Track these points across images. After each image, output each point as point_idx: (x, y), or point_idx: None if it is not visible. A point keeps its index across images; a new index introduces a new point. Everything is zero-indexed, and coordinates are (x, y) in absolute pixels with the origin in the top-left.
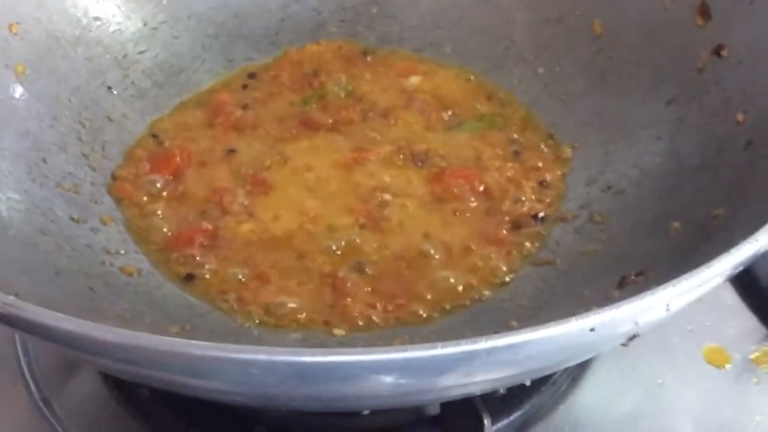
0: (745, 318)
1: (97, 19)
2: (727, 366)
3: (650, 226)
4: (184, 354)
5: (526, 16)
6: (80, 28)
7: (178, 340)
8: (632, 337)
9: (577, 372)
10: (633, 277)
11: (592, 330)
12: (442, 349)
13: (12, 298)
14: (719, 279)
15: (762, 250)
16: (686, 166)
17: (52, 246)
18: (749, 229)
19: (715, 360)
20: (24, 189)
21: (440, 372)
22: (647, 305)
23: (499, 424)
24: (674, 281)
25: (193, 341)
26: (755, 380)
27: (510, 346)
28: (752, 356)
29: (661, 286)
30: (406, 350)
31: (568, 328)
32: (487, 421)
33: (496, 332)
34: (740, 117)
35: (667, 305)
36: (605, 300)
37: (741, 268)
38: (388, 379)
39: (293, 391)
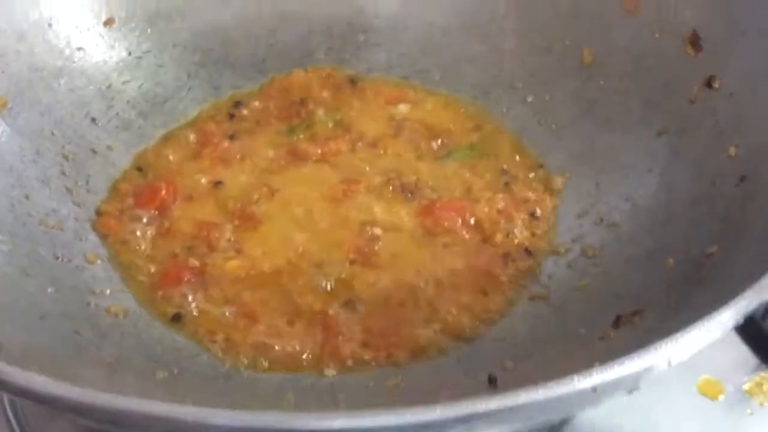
0: (737, 348)
1: (80, 49)
2: (721, 397)
3: (644, 262)
4: (167, 419)
5: (515, 43)
6: (63, 59)
7: (160, 405)
8: (633, 390)
9: None
10: (629, 316)
11: (593, 390)
12: (441, 412)
13: None
14: (724, 329)
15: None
16: (679, 199)
17: (36, 288)
18: (747, 272)
19: (709, 392)
20: (7, 229)
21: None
22: (650, 362)
23: None
24: (677, 335)
25: (176, 407)
26: (749, 411)
27: (511, 409)
28: (745, 387)
29: (664, 341)
30: (402, 414)
31: (569, 389)
32: None
33: (490, 375)
34: (732, 151)
35: (669, 360)
36: (602, 340)
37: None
38: None
39: None
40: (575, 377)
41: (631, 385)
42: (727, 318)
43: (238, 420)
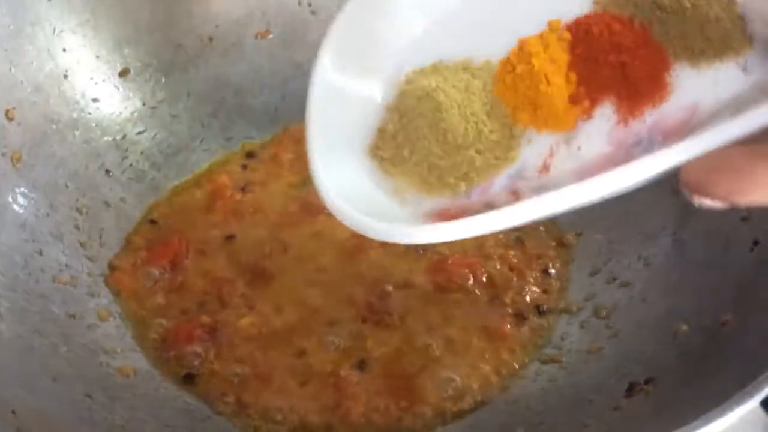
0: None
1: (95, 100)
2: None
3: (657, 326)
4: None
5: None
6: (78, 111)
7: None
8: None
9: None
10: (642, 385)
11: None
12: None
13: None
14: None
15: None
16: (692, 261)
17: (48, 348)
18: (763, 343)
19: None
20: (21, 286)
21: None
22: None
23: None
24: (698, 422)
25: None
26: None
27: None
28: None
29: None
30: None
31: None
32: None
33: None
34: (745, 213)
35: None
36: (614, 410)
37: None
38: None
39: None
40: None
41: None
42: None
43: None
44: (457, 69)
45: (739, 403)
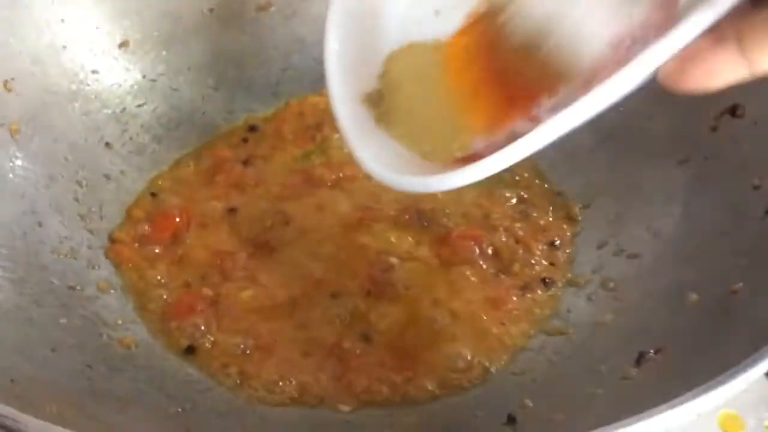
0: (760, 383)
1: (94, 72)
2: None
3: (666, 296)
4: None
5: None
6: (77, 83)
7: None
8: None
9: None
10: (652, 354)
11: None
12: None
13: (9, 409)
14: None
15: None
16: (702, 231)
17: (48, 319)
18: None
19: (730, 427)
20: (19, 257)
21: None
22: (680, 414)
23: None
24: (707, 385)
25: None
26: None
27: None
28: (767, 423)
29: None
30: None
31: None
32: None
33: (510, 414)
34: (757, 181)
35: (698, 414)
36: (624, 380)
37: None
38: None
39: None
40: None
41: None
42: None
43: None
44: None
45: (747, 370)
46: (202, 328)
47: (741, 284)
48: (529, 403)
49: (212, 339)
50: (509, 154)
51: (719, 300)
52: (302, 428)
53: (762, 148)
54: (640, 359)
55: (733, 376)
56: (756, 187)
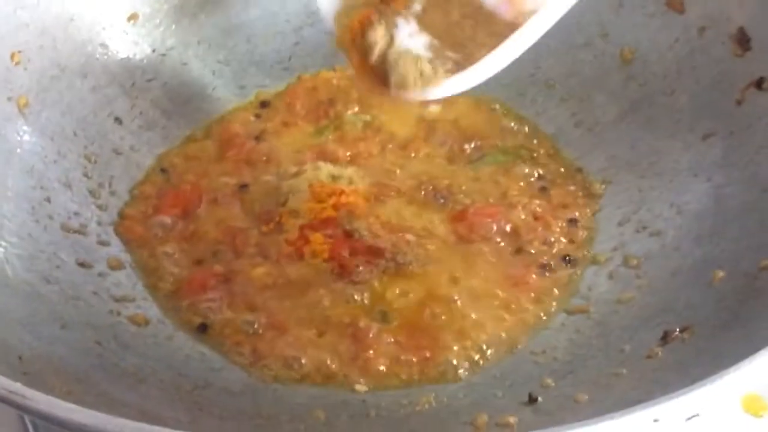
0: None
1: (103, 45)
2: (764, 414)
3: (691, 274)
4: None
5: (551, 40)
6: (86, 56)
7: None
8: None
9: None
10: (677, 332)
11: (655, 421)
12: None
13: (18, 386)
14: None
15: None
16: (728, 207)
17: (57, 295)
18: None
19: (752, 408)
20: (28, 232)
21: None
22: (714, 389)
23: None
24: (739, 364)
25: None
26: None
27: None
28: None
29: (729, 370)
30: None
31: (630, 420)
32: None
33: (531, 394)
34: None
35: (736, 386)
36: (648, 359)
37: None
38: None
39: None
40: (638, 407)
41: (692, 413)
42: None
43: None
44: None
45: None
46: (214, 305)
47: None
48: (550, 382)
49: (224, 317)
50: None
51: (748, 276)
52: (317, 408)
53: None
54: (665, 337)
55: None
56: None
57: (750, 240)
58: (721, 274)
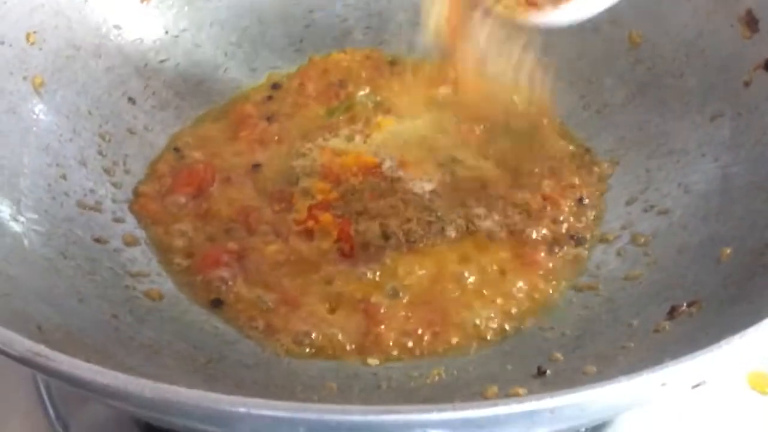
0: None
1: (117, 27)
2: None
3: (699, 251)
4: (226, 412)
5: None
6: (100, 37)
7: (217, 396)
8: (699, 385)
9: None
10: (685, 307)
11: (663, 385)
12: (503, 407)
13: (42, 347)
14: None
15: None
16: (735, 186)
17: (74, 270)
18: None
19: (758, 385)
20: (44, 209)
21: (498, 429)
22: (721, 356)
23: None
24: (746, 331)
25: (233, 398)
26: None
27: (577, 405)
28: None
29: (736, 336)
30: (465, 408)
31: (637, 384)
32: None
33: (540, 367)
34: None
35: (743, 354)
36: (657, 333)
37: None
38: None
39: None
40: (644, 372)
41: (700, 379)
42: None
43: (282, 410)
44: None
45: None
46: (228, 281)
47: None
48: (559, 356)
49: (238, 292)
50: None
51: (754, 253)
52: (329, 380)
53: None
54: (672, 312)
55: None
56: None
57: (756, 218)
58: (728, 251)
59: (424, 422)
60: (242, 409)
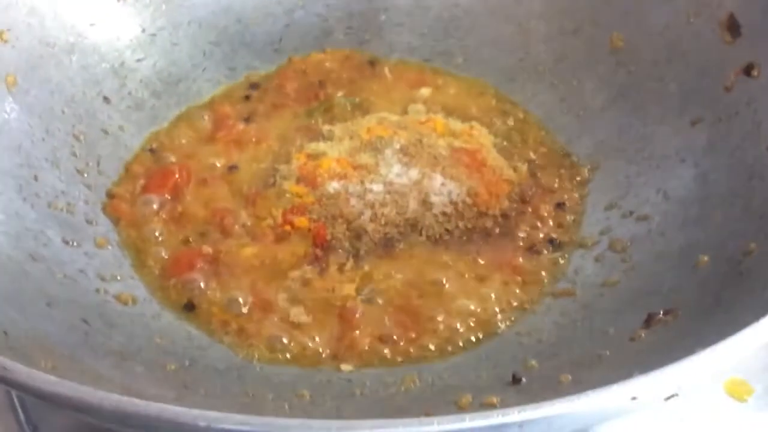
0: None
1: (92, 24)
2: (749, 399)
3: (676, 258)
4: (186, 425)
5: (542, 25)
6: (75, 35)
7: (178, 409)
8: (671, 396)
9: None
10: (661, 315)
11: (633, 398)
12: (471, 422)
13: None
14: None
15: None
16: (714, 193)
17: (43, 273)
18: None
19: (736, 392)
20: (14, 210)
21: None
22: (691, 369)
23: None
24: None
25: (195, 411)
26: None
27: (546, 419)
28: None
29: (708, 349)
30: (432, 424)
31: (607, 398)
32: None
33: (515, 374)
34: None
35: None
36: (632, 341)
37: None
38: None
39: None
40: (615, 385)
41: (672, 392)
42: None
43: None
44: None
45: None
46: (202, 285)
47: (754, 245)
48: (534, 363)
49: (211, 296)
50: None
51: (732, 261)
52: (302, 387)
53: None
54: (649, 320)
55: (743, 335)
56: None
57: (734, 226)
58: (705, 258)
59: None
60: (202, 423)
